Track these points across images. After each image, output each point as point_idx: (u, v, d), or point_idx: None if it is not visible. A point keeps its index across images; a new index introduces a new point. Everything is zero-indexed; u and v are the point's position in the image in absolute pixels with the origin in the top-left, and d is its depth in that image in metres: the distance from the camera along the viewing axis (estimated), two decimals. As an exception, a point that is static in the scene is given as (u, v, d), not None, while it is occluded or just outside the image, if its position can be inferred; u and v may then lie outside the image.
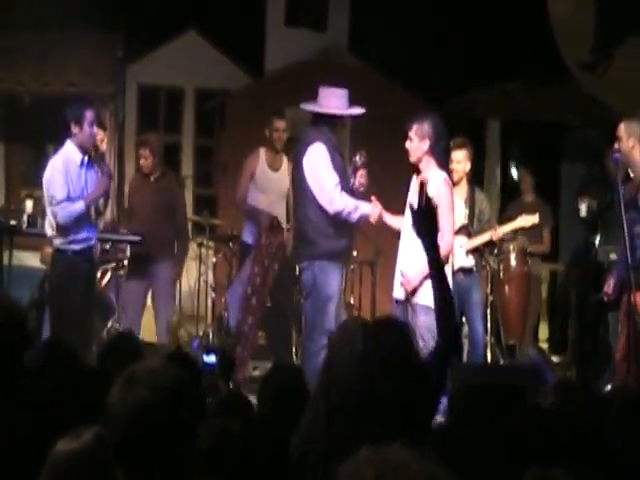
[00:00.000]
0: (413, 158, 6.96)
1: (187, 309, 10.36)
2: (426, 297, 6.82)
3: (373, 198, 7.19)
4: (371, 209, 7.20)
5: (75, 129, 7.22)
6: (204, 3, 11.47)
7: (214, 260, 10.34)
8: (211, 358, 4.68)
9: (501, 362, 9.24)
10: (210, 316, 10.15)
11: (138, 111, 11.72)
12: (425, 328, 6.77)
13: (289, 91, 11.52)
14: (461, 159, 8.21)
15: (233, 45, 11.83)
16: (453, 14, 11.44)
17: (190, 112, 12.14)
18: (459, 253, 8.09)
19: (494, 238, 8.35)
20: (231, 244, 9.86)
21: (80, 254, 7.30)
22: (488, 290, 9.11)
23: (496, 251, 9.38)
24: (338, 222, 7.26)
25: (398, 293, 6.97)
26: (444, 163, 7.17)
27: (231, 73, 11.90)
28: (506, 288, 9.62)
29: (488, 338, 8.84)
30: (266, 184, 8.91)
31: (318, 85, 11.00)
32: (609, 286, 7.30)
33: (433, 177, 6.87)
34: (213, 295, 10.17)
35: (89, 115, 7.24)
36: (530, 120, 12.07)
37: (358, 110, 7.44)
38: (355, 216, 7.22)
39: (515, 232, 8.62)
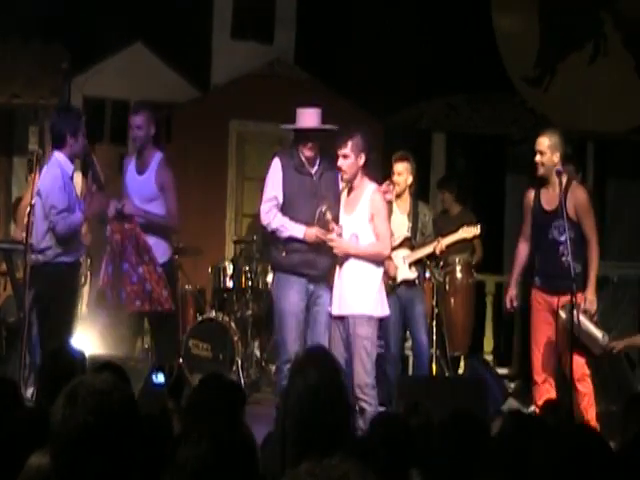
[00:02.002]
0: (349, 175, 6.96)
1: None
2: (367, 307, 6.87)
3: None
4: (303, 233, 7.12)
5: (71, 140, 7.20)
6: (151, 15, 11.42)
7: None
8: (160, 378, 4.58)
9: (446, 374, 9.30)
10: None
11: (84, 123, 11.62)
12: (367, 339, 6.83)
13: (235, 103, 11.54)
14: (402, 171, 8.24)
15: (180, 57, 11.79)
16: (399, 28, 11.50)
17: (136, 124, 12.06)
18: (402, 266, 8.14)
19: (437, 250, 8.38)
20: (177, 256, 9.82)
21: (71, 266, 7.23)
22: (434, 302, 9.15)
23: (442, 264, 9.45)
24: (282, 235, 7.26)
25: (336, 309, 6.97)
26: (374, 176, 7.21)
27: (178, 85, 11.86)
28: (452, 300, 9.71)
29: (433, 350, 8.87)
30: (131, 188, 8.01)
31: (264, 97, 11.11)
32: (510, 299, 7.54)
33: (365, 189, 6.94)
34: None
35: (82, 126, 7.31)
36: (475, 133, 12.17)
37: (309, 123, 7.24)
38: (284, 234, 7.19)
39: (453, 245, 8.63)
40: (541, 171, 7.26)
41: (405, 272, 8.18)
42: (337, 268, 7.04)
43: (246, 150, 11.73)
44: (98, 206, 7.38)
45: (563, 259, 7.07)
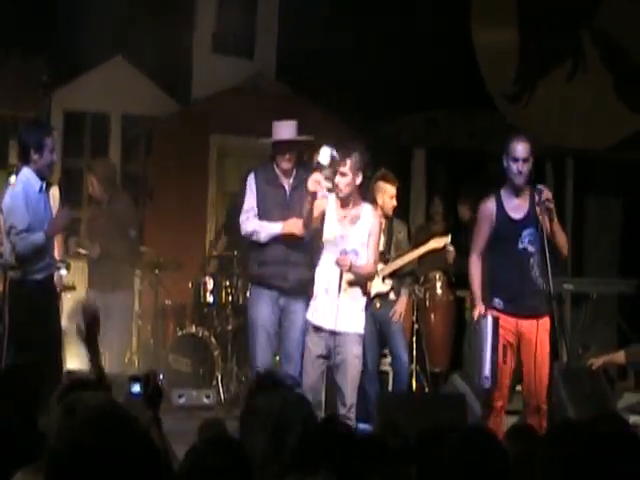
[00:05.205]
0: (344, 193, 6.88)
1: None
2: (360, 326, 6.84)
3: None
4: (281, 228, 7.17)
5: (35, 156, 6.90)
6: (131, 29, 11.41)
7: (140, 287, 10.28)
8: (136, 387, 4.53)
9: (426, 390, 9.31)
10: (135, 343, 10.07)
11: (63, 137, 11.57)
12: (359, 358, 6.82)
13: (216, 117, 11.53)
14: (394, 194, 8.26)
15: (160, 71, 11.78)
16: (380, 43, 11.53)
17: (116, 138, 12.03)
18: (376, 279, 8.15)
19: (408, 259, 8.36)
20: (157, 271, 9.81)
21: (42, 284, 6.98)
22: (414, 318, 9.16)
23: (422, 280, 9.46)
24: (256, 245, 7.31)
25: (330, 324, 6.77)
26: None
27: (158, 99, 11.84)
28: (432, 316, 9.72)
29: (413, 366, 8.88)
30: None
31: (245, 112, 11.12)
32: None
33: (364, 209, 6.94)
34: (139, 322, 10.09)
35: (50, 142, 6.97)
36: (455, 149, 12.18)
37: (285, 135, 7.36)
38: (262, 236, 7.24)
39: (425, 256, 8.63)
40: (523, 180, 6.70)
41: (378, 285, 8.20)
42: (327, 284, 6.85)
43: (227, 164, 11.73)
44: (60, 223, 7.15)
45: (531, 273, 6.67)
